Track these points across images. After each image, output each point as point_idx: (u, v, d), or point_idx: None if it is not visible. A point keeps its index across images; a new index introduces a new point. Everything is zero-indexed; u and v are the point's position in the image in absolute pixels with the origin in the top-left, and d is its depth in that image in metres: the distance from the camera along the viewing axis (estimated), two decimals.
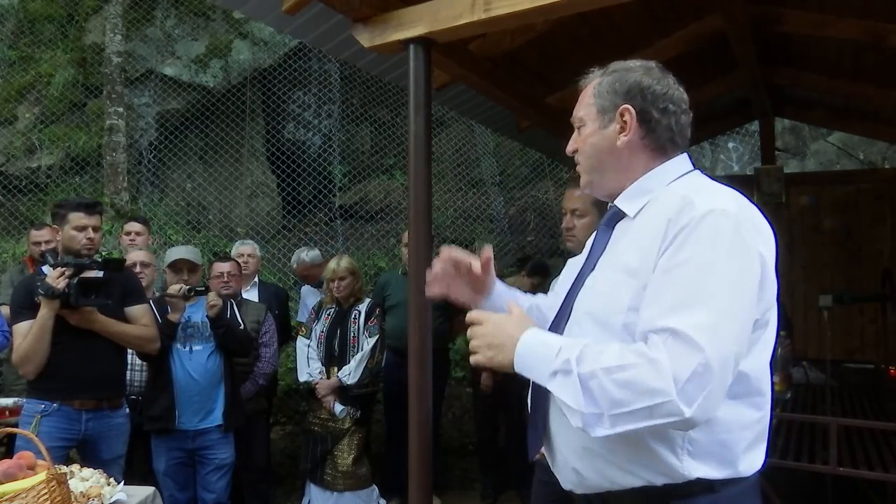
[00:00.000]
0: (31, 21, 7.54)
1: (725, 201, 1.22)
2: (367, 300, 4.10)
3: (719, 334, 1.12)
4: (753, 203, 1.27)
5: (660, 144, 1.37)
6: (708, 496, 1.25)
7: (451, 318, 4.77)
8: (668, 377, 1.10)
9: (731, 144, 8.32)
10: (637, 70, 1.39)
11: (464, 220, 7.86)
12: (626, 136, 1.36)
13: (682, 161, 1.39)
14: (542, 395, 1.39)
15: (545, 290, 1.86)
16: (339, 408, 3.85)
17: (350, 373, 3.83)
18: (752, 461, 1.29)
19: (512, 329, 1.30)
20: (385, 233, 7.66)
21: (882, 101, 4.57)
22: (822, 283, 5.37)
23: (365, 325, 3.94)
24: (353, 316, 3.97)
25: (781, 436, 2.85)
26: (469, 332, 1.37)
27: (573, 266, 1.53)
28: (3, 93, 7.16)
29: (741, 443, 1.26)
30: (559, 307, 1.45)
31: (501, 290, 1.65)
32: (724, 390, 1.15)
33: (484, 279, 1.61)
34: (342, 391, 3.86)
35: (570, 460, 1.35)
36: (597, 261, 1.39)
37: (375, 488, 4.01)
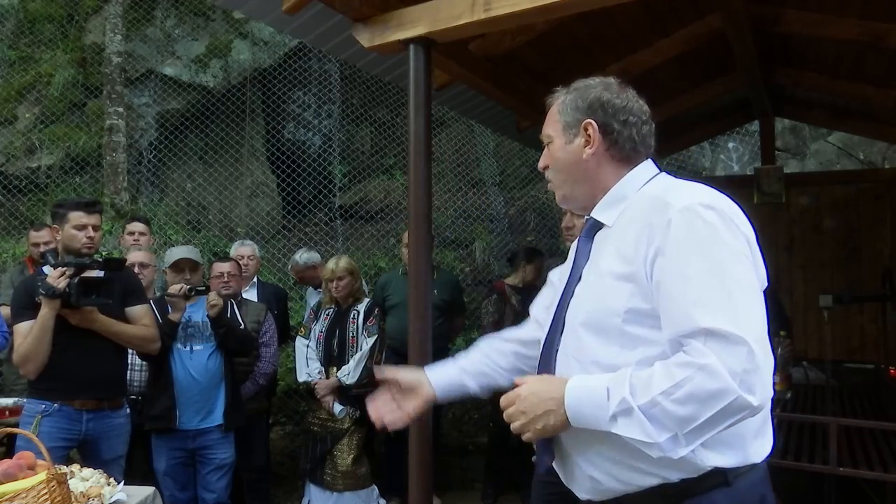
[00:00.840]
0: (31, 21, 7.54)
1: (699, 195, 1.27)
2: (366, 300, 4.09)
3: (749, 319, 1.16)
4: (723, 192, 1.32)
5: (624, 154, 1.43)
6: (723, 490, 1.27)
7: (451, 319, 4.77)
8: (726, 376, 1.13)
9: (731, 144, 8.31)
10: (597, 86, 1.46)
11: (464, 220, 7.86)
12: (591, 148, 1.42)
13: (647, 166, 1.46)
14: None
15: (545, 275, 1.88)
16: (338, 408, 3.85)
17: (349, 373, 3.83)
18: (760, 447, 1.33)
19: (551, 390, 1.29)
20: (385, 233, 7.66)
21: (882, 101, 4.57)
22: (822, 283, 5.37)
23: (364, 324, 3.94)
24: (352, 316, 3.97)
25: (781, 436, 2.85)
26: (506, 414, 1.34)
27: (557, 278, 1.58)
28: (3, 93, 7.16)
29: (749, 429, 1.29)
30: (550, 322, 1.48)
31: (445, 376, 1.72)
32: (771, 368, 1.18)
33: (416, 384, 1.66)
34: (341, 391, 3.86)
35: (586, 470, 1.36)
36: (581, 271, 1.43)
37: (375, 488, 4.01)
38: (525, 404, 1.31)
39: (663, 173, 1.46)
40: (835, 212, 5.57)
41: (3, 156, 6.90)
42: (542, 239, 7.69)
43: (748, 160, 8.01)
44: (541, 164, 1.53)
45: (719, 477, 1.26)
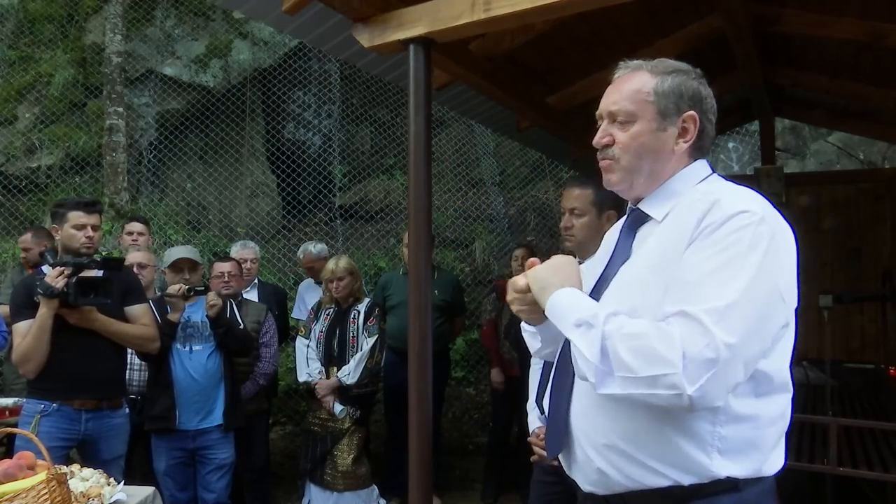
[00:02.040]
0: (31, 21, 7.54)
1: (752, 203, 1.24)
2: (367, 300, 4.10)
3: (730, 323, 1.14)
4: (776, 207, 1.29)
5: (699, 152, 1.39)
6: (732, 495, 1.25)
7: (451, 319, 4.77)
8: (678, 351, 1.13)
9: (731, 144, 8.31)
10: (691, 74, 1.39)
11: (464, 220, 7.85)
12: (685, 142, 1.36)
13: (703, 164, 1.40)
14: (563, 394, 1.40)
15: None
16: (338, 408, 3.85)
17: (349, 373, 3.83)
18: (775, 460, 1.32)
19: (561, 278, 1.35)
20: (385, 233, 7.66)
21: (882, 101, 4.57)
22: (822, 283, 5.36)
23: (364, 324, 3.94)
24: (352, 316, 3.97)
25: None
26: (530, 271, 1.41)
27: (589, 270, 1.53)
28: (3, 93, 7.15)
29: (769, 439, 1.29)
30: None
31: None
32: (732, 381, 1.16)
33: None
34: (342, 391, 3.86)
35: (593, 460, 1.33)
36: (622, 264, 1.38)
37: (375, 488, 4.01)
38: (543, 269, 1.39)
39: (715, 174, 1.41)
40: (835, 212, 5.57)
41: (3, 156, 6.89)
42: (542, 239, 7.69)
43: (748, 160, 8.01)
44: (603, 140, 1.39)
45: (729, 483, 1.25)
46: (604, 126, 1.40)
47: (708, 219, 1.22)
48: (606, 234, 1.62)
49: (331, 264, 4.00)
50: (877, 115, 5.11)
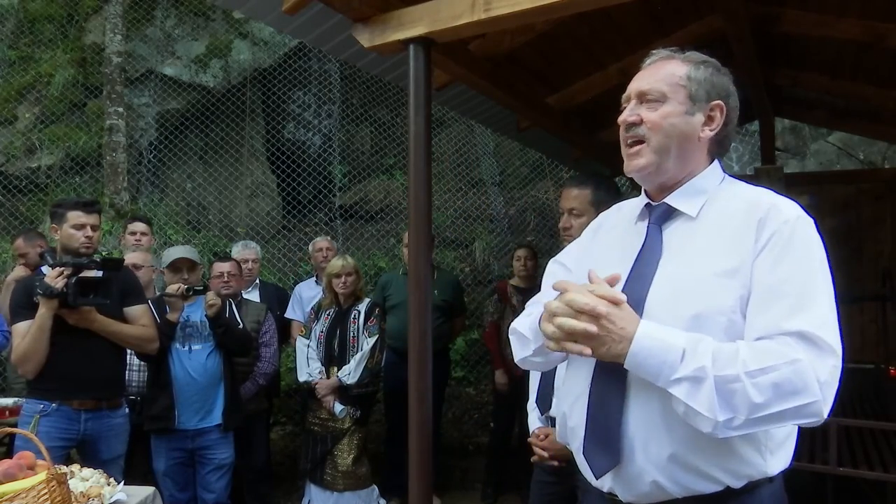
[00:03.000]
0: (31, 21, 7.54)
1: (802, 209, 1.29)
2: (367, 300, 4.10)
3: (835, 331, 1.17)
4: None
5: (719, 149, 1.41)
6: (768, 487, 1.29)
7: (451, 319, 4.77)
8: (813, 378, 1.12)
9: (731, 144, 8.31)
10: (725, 72, 1.42)
11: (464, 220, 7.85)
12: (711, 130, 1.37)
13: (719, 165, 1.43)
14: (614, 409, 1.30)
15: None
16: (338, 407, 3.85)
17: (350, 373, 3.83)
18: (791, 451, 1.36)
19: (625, 321, 1.19)
20: (385, 233, 7.66)
21: (882, 101, 4.57)
22: None
23: (364, 324, 3.94)
24: (352, 316, 3.97)
25: None
26: (566, 323, 1.20)
27: (574, 252, 1.52)
28: (3, 93, 7.15)
29: (794, 433, 1.32)
30: None
31: None
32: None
33: None
34: (342, 391, 3.86)
35: (650, 473, 1.28)
36: (657, 262, 1.33)
37: (375, 488, 4.01)
38: (604, 323, 1.18)
39: (726, 175, 1.44)
40: (835, 212, 5.57)
41: (3, 156, 6.89)
42: (542, 239, 7.69)
43: (748, 160, 8.01)
44: (630, 118, 1.38)
45: (766, 477, 1.29)
46: (631, 106, 1.40)
47: (773, 222, 1.24)
48: (590, 224, 1.60)
49: (338, 261, 4.02)
50: (877, 115, 5.11)
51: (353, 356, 3.88)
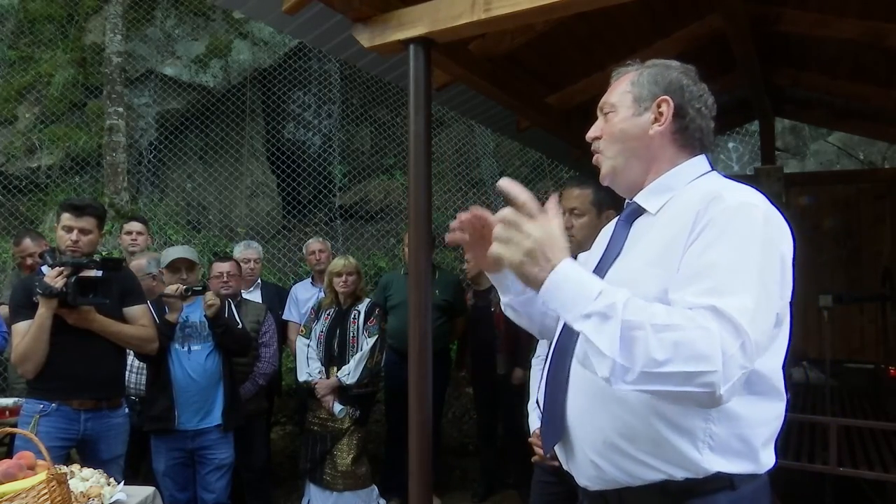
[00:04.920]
0: (31, 21, 7.54)
1: (753, 198, 1.25)
2: (367, 300, 4.10)
3: (756, 321, 1.12)
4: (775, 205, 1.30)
5: (688, 142, 1.41)
6: (727, 493, 1.26)
7: (451, 319, 4.77)
8: (718, 348, 1.08)
9: (731, 144, 8.31)
10: (677, 68, 1.44)
11: None
12: (660, 126, 1.39)
13: (702, 161, 1.42)
14: (560, 388, 1.38)
15: None
16: (338, 407, 3.85)
17: (349, 373, 3.84)
18: (768, 458, 1.32)
19: (555, 249, 1.18)
20: (385, 233, 7.66)
21: (882, 101, 4.57)
22: (822, 283, 5.36)
23: (364, 325, 3.95)
24: (352, 316, 3.97)
25: (781, 436, 2.85)
26: (506, 215, 1.21)
27: (583, 264, 1.52)
28: (3, 93, 7.15)
29: (759, 439, 1.28)
30: None
31: None
32: (743, 381, 1.14)
33: None
34: (341, 391, 3.86)
35: (589, 455, 1.34)
36: (616, 255, 1.39)
37: (375, 488, 4.01)
38: (532, 230, 1.18)
39: (715, 172, 1.42)
40: (835, 212, 5.57)
41: (3, 156, 6.89)
42: None
43: (748, 160, 8.01)
44: (591, 134, 1.47)
45: (724, 481, 1.26)
46: (596, 122, 1.48)
47: (711, 212, 1.22)
48: (602, 230, 1.62)
49: (340, 260, 4.02)
50: (877, 115, 5.11)
51: (352, 356, 3.88)
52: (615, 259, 1.39)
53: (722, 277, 1.15)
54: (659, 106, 1.39)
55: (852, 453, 2.64)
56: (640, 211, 1.42)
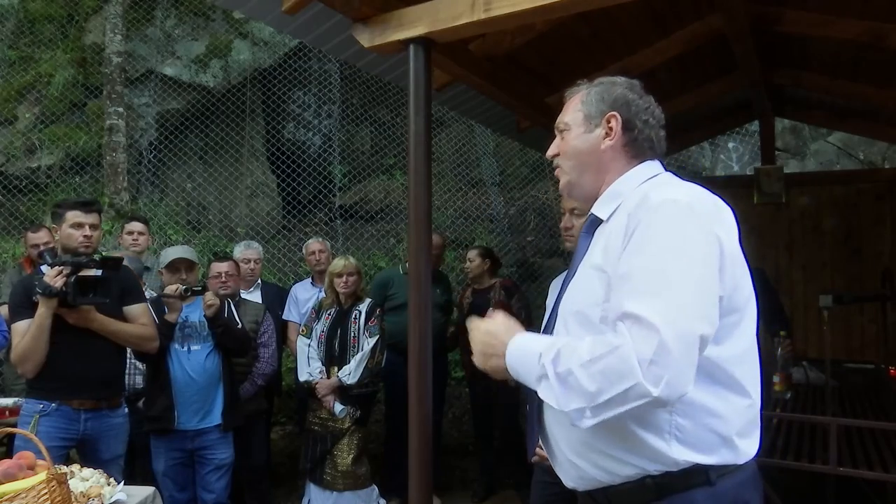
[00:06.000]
0: (31, 21, 7.54)
1: (678, 193, 1.30)
2: (368, 300, 4.10)
3: (675, 314, 1.17)
4: (719, 195, 1.35)
5: (637, 152, 1.48)
6: (705, 489, 1.28)
7: (449, 317, 4.78)
8: (633, 361, 1.15)
9: (731, 144, 8.31)
10: (622, 84, 1.51)
11: (464, 220, 7.85)
12: (610, 140, 1.47)
13: (651, 165, 1.49)
14: (535, 394, 1.41)
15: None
16: (338, 407, 3.85)
17: (350, 373, 3.84)
18: (746, 448, 1.33)
19: (502, 335, 1.39)
20: (385, 233, 7.66)
21: (882, 101, 4.56)
22: (822, 283, 5.36)
23: (365, 325, 3.95)
24: (353, 316, 3.97)
25: (781, 436, 2.85)
26: (471, 339, 1.46)
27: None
28: (3, 93, 7.15)
29: (731, 429, 1.30)
30: (549, 312, 1.55)
31: None
32: (692, 366, 1.18)
33: None
34: (342, 391, 3.86)
35: (568, 455, 1.41)
36: (577, 266, 1.47)
37: (375, 488, 4.01)
38: (481, 339, 1.43)
39: (667, 173, 1.47)
40: (835, 212, 5.57)
41: (3, 156, 6.89)
42: (542, 239, 7.69)
43: (748, 160, 8.01)
44: (550, 152, 1.57)
45: (701, 476, 1.28)
46: (554, 141, 1.58)
47: (638, 213, 1.29)
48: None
49: (340, 260, 4.02)
50: (877, 115, 5.11)
51: (353, 356, 3.88)
52: (577, 268, 1.47)
53: (641, 279, 1.22)
54: (608, 122, 1.47)
55: (852, 453, 2.63)
56: (597, 220, 1.49)
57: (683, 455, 1.27)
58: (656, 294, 1.18)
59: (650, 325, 1.15)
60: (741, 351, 1.32)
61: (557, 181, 1.59)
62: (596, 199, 1.50)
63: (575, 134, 1.51)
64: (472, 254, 4.75)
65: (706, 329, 1.20)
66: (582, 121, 1.50)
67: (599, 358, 1.19)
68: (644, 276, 1.22)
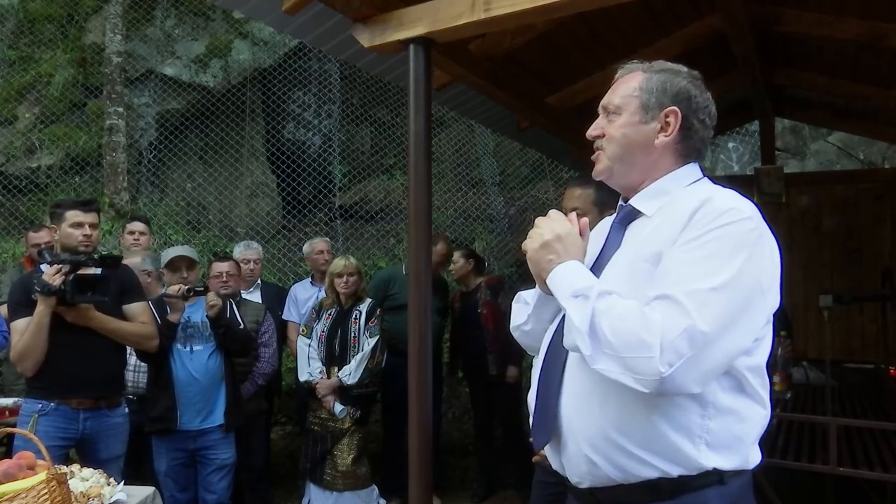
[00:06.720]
0: (31, 21, 7.54)
1: (742, 202, 1.29)
2: (368, 300, 4.10)
3: (710, 309, 1.16)
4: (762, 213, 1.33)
5: (689, 152, 1.43)
6: (718, 488, 1.28)
7: (445, 319, 4.80)
8: (657, 335, 1.15)
9: (731, 144, 8.31)
10: (686, 76, 1.44)
11: (464, 220, 7.85)
12: (666, 136, 1.40)
13: (695, 168, 1.45)
14: (553, 386, 1.40)
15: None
16: (338, 407, 3.85)
17: (350, 373, 3.84)
18: (756, 455, 1.36)
19: (571, 249, 1.35)
20: (385, 233, 7.66)
21: (882, 101, 4.57)
22: (822, 283, 5.36)
23: (365, 325, 3.94)
24: (353, 316, 3.97)
25: (781, 436, 2.85)
26: (543, 221, 1.40)
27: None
28: (3, 93, 7.15)
29: (751, 437, 1.32)
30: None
31: None
32: (708, 369, 1.18)
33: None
34: (342, 391, 3.86)
35: (584, 450, 1.34)
36: (611, 256, 1.42)
37: (375, 488, 4.01)
38: (550, 234, 1.37)
39: (706, 178, 1.45)
40: (835, 212, 5.57)
41: (3, 156, 6.89)
42: None
43: (748, 160, 8.00)
44: (593, 132, 1.47)
45: (714, 476, 1.28)
46: (597, 120, 1.48)
47: (699, 214, 1.26)
48: (593, 231, 1.63)
49: (341, 261, 4.03)
50: (877, 115, 5.11)
51: (353, 356, 3.88)
52: (609, 260, 1.42)
53: (686, 270, 1.21)
54: (667, 116, 1.39)
55: (852, 453, 2.63)
56: (635, 214, 1.44)
57: (711, 461, 1.26)
58: (697, 284, 1.18)
59: (683, 307, 1.16)
60: (763, 362, 1.33)
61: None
62: (632, 190, 1.45)
63: (627, 121, 1.41)
64: (456, 255, 4.79)
65: (741, 342, 1.22)
66: (637, 108, 1.40)
67: (629, 317, 1.19)
68: (695, 270, 1.20)
